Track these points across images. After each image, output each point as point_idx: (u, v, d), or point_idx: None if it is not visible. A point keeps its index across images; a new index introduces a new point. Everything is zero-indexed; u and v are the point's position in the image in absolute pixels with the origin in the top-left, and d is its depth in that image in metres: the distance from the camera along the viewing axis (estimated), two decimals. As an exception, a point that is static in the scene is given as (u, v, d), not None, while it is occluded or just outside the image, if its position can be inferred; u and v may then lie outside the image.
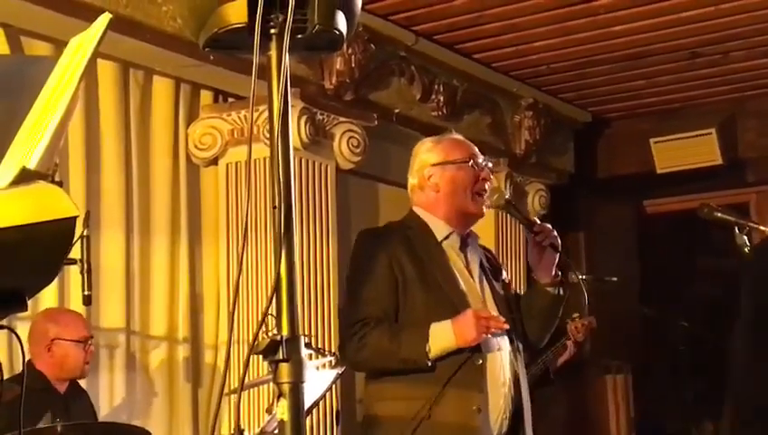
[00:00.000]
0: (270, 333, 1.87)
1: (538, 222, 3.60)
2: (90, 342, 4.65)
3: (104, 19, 1.87)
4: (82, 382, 4.84)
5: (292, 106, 5.72)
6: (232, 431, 4.65)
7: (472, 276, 3.54)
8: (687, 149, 7.79)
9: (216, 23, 2.01)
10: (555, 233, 3.57)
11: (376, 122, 6.16)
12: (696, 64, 7.05)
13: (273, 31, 2.02)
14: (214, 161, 5.87)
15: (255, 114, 5.68)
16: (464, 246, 3.58)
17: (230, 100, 5.92)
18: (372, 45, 6.03)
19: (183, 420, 5.60)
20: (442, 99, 6.69)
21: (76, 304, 4.82)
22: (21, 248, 1.58)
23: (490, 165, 3.64)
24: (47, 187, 1.63)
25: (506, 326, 3.39)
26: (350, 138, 6.01)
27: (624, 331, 8.23)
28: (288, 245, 1.90)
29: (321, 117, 5.90)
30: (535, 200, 7.69)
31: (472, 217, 3.59)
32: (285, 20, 1.93)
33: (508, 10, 6.09)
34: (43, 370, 4.57)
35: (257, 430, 4.81)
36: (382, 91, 6.34)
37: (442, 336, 3.32)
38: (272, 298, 1.83)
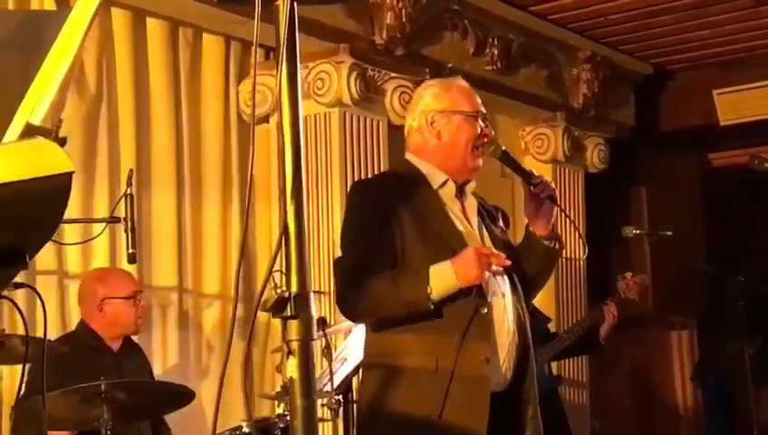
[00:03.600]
0: (279, 290, 1.83)
1: (535, 173, 3.51)
2: (139, 296, 4.66)
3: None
4: (136, 339, 4.87)
5: (341, 63, 5.73)
6: (284, 382, 4.63)
7: (470, 224, 3.44)
8: (752, 100, 7.61)
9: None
10: (553, 185, 3.48)
11: (428, 77, 6.06)
12: (761, 12, 6.86)
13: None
14: (265, 119, 5.84)
15: (305, 71, 5.71)
16: (460, 194, 3.48)
17: (280, 55, 5.87)
18: (423, -1, 5.96)
19: (237, 377, 5.60)
20: (496, 52, 6.59)
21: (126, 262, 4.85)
22: (15, 205, 1.56)
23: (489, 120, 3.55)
24: (42, 142, 1.60)
25: (508, 263, 3.28)
26: (402, 93, 5.95)
27: (688, 286, 8.12)
28: (297, 197, 1.85)
29: (371, 73, 5.85)
30: (594, 154, 7.56)
31: (469, 171, 3.48)
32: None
33: (564, -40, 6.00)
34: (96, 328, 4.60)
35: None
36: (434, 45, 6.26)
37: (443, 276, 3.21)
38: (276, 253, 1.79)
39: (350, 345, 4.79)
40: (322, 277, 5.62)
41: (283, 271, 1.87)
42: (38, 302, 3.64)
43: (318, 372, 4.84)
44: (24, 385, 2.84)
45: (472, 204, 3.50)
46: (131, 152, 5.27)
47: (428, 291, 3.20)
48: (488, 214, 3.57)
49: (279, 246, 1.80)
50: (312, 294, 1.85)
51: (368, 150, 5.83)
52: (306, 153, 5.65)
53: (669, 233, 5.67)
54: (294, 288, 1.83)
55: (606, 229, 7.40)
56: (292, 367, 1.81)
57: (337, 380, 4.57)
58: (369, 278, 3.23)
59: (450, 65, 6.31)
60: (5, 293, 2.49)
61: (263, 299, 1.88)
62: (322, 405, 4.59)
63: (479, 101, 3.52)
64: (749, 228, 8.68)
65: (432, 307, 3.23)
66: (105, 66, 5.23)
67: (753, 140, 7.75)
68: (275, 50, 1.94)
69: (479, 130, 3.45)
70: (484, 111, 3.50)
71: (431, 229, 3.34)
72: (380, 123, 5.93)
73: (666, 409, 8.30)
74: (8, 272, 1.78)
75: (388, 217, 3.32)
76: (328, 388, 4.46)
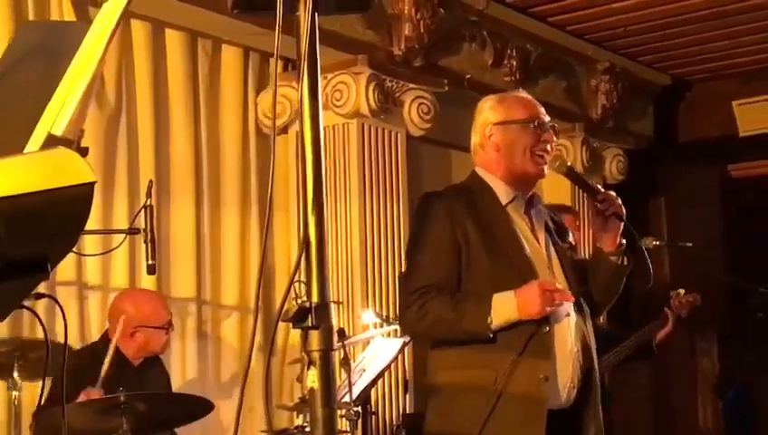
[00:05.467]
0: (299, 301, 1.83)
1: (602, 190, 3.49)
2: (171, 325, 4.63)
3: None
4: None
5: (359, 74, 5.73)
6: (303, 393, 4.64)
7: (537, 240, 3.43)
8: (772, 112, 7.59)
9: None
10: (620, 201, 3.45)
11: (446, 88, 6.08)
12: (781, 23, 6.84)
13: (300, -11, 1.96)
14: (284, 130, 5.85)
15: (323, 82, 5.71)
16: (528, 209, 3.47)
17: (300, 68, 5.88)
18: (442, 10, 5.95)
19: (255, 389, 5.60)
20: (515, 63, 6.58)
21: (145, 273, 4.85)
22: (37, 215, 1.56)
23: (555, 126, 3.52)
24: (64, 152, 1.60)
25: (572, 299, 3.28)
26: (420, 104, 5.95)
27: (709, 297, 8.07)
28: (318, 208, 1.85)
29: (390, 84, 5.85)
30: (613, 166, 7.56)
31: (532, 179, 3.47)
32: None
33: (582, -29, 5.99)
34: (122, 348, 4.57)
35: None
36: (453, 56, 6.26)
37: (505, 308, 3.22)
38: (298, 264, 1.78)
39: (369, 357, 4.79)
40: (340, 288, 5.62)
41: (304, 281, 1.87)
42: (58, 312, 3.68)
43: (337, 383, 4.84)
44: (44, 396, 2.84)
45: (540, 220, 3.50)
46: (150, 163, 5.28)
47: (489, 321, 3.23)
48: (557, 227, 3.57)
49: (300, 256, 1.80)
50: (332, 304, 1.84)
51: (386, 162, 5.83)
52: (324, 164, 5.68)
53: (690, 244, 5.65)
54: (315, 299, 1.83)
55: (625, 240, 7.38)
56: (312, 377, 1.81)
57: (355, 391, 4.57)
58: (431, 299, 3.28)
59: (468, 76, 6.32)
60: (27, 303, 2.50)
61: (281, 309, 1.88)
62: (341, 416, 4.59)
63: (540, 109, 3.50)
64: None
65: (491, 336, 3.25)
66: (124, 77, 5.26)
67: (773, 152, 7.75)
68: (297, 61, 1.94)
69: (537, 137, 3.43)
70: (545, 119, 3.46)
71: (497, 246, 3.34)
72: (399, 134, 5.93)
73: (686, 421, 8.26)
74: (30, 282, 1.79)
75: (455, 231, 3.33)
76: (347, 399, 4.46)
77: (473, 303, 3.28)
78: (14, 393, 3.71)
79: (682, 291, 5.67)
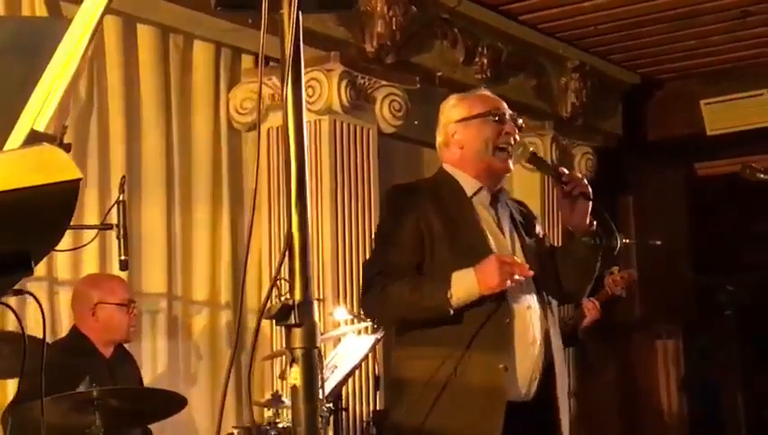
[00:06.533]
0: (283, 298, 1.84)
1: (566, 171, 3.49)
2: (132, 305, 4.65)
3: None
4: (127, 346, 4.85)
5: (331, 70, 5.72)
6: (273, 391, 4.66)
7: (503, 232, 3.46)
8: (739, 110, 7.65)
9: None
10: (585, 181, 3.46)
11: (418, 85, 6.09)
12: (748, 23, 6.90)
13: (284, -13, 1.96)
14: (255, 126, 5.84)
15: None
16: (494, 202, 3.50)
17: (271, 64, 5.86)
18: (414, 7, 5.96)
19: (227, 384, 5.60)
20: (486, 61, 6.60)
21: (117, 269, 4.83)
22: (22, 211, 1.55)
23: (520, 121, 3.53)
24: (49, 149, 1.59)
25: (531, 273, 3.28)
26: (392, 101, 5.96)
27: (675, 295, 8.14)
28: (301, 205, 1.85)
29: (362, 81, 5.85)
30: (582, 163, 7.60)
31: (497, 173, 3.50)
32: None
33: (554, -30, 6.02)
34: (88, 334, 4.58)
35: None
36: (425, 54, 6.27)
37: (464, 282, 3.23)
38: (282, 261, 1.79)
39: (341, 354, 4.80)
40: (312, 284, 5.60)
41: (286, 278, 1.88)
42: (30, 308, 3.66)
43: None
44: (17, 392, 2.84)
45: (505, 213, 3.53)
46: (121, 159, 5.25)
47: (449, 296, 3.24)
48: (525, 221, 3.59)
49: (284, 254, 1.80)
50: (315, 301, 1.85)
51: (358, 158, 5.83)
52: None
53: (659, 242, 5.68)
54: (298, 296, 1.83)
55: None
56: (295, 375, 1.82)
57: (327, 388, 4.57)
58: (391, 281, 3.29)
59: (440, 74, 6.33)
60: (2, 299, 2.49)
61: (264, 307, 1.89)
62: (313, 413, 4.60)
63: (502, 104, 3.51)
64: (735, 238, 8.72)
65: (452, 313, 3.26)
66: (96, 73, 5.22)
67: (740, 150, 7.78)
68: (281, 60, 1.94)
69: (498, 130, 3.43)
70: (506, 113, 3.47)
71: (462, 238, 3.37)
72: (370, 131, 5.94)
73: (652, 417, 8.32)
74: (13, 278, 1.78)
75: (419, 223, 3.36)
76: (319, 395, 4.47)
77: (432, 281, 3.30)
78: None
79: (616, 268, 5.64)
